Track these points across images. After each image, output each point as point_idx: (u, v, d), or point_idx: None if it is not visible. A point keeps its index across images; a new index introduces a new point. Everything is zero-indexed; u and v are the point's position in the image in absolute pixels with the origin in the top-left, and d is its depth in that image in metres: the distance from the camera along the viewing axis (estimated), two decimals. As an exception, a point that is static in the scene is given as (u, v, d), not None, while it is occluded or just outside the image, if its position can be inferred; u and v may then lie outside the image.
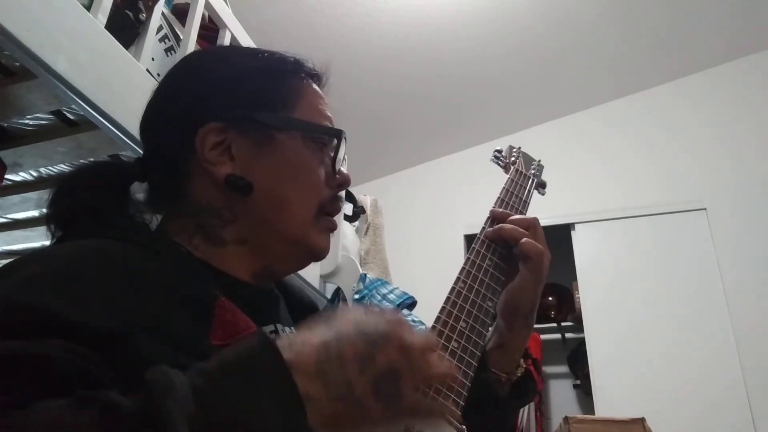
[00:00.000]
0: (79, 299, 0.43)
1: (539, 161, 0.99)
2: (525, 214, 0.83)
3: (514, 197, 0.86)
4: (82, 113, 1.17)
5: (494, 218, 0.79)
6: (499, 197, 0.85)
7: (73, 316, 0.41)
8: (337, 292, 2.11)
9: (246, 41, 1.68)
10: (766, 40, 3.13)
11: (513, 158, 0.96)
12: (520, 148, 0.99)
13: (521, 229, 0.75)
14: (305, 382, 0.39)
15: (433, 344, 0.46)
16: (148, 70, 1.28)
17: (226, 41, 1.57)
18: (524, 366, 0.77)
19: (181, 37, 1.47)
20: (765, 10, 2.92)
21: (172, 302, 0.49)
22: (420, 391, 0.45)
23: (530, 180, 0.92)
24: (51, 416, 0.33)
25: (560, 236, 2.94)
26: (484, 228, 0.79)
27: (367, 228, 2.58)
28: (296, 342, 0.42)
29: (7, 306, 0.41)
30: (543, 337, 2.96)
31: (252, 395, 0.37)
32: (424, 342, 0.45)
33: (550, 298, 3.13)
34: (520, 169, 0.93)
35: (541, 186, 0.95)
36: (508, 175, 0.91)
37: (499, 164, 0.97)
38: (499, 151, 0.98)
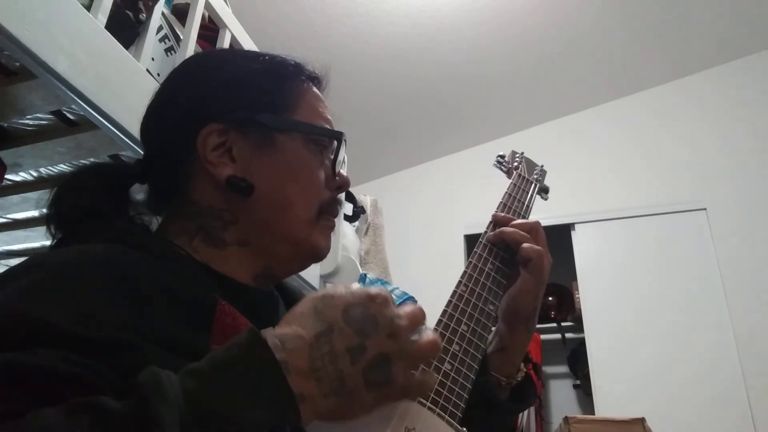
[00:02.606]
0: (79, 309, 0.43)
1: (542, 166, 0.99)
2: (527, 219, 0.83)
3: (516, 202, 0.86)
4: (82, 113, 1.17)
5: (497, 222, 0.80)
6: (501, 202, 0.85)
7: (72, 327, 0.41)
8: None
9: (246, 41, 1.67)
10: (766, 40, 3.13)
11: (516, 163, 0.96)
12: (522, 153, 1.00)
13: (523, 233, 0.76)
14: (298, 382, 0.40)
15: (419, 319, 0.45)
16: (148, 70, 1.28)
17: (226, 41, 1.57)
18: (524, 370, 0.77)
19: (181, 37, 1.47)
20: (764, 11, 2.92)
21: (172, 307, 0.49)
22: (410, 370, 0.44)
23: (533, 185, 0.92)
24: (44, 423, 0.33)
25: (560, 236, 2.94)
26: (486, 232, 0.79)
27: (367, 228, 2.58)
28: (288, 338, 0.41)
29: (5, 316, 0.41)
30: (543, 337, 2.97)
31: (244, 397, 0.37)
32: (410, 320, 0.44)
33: (550, 298, 3.12)
34: (522, 174, 0.93)
35: (544, 191, 0.95)
36: (511, 180, 0.91)
37: (501, 169, 0.98)
38: (502, 156, 0.98)
